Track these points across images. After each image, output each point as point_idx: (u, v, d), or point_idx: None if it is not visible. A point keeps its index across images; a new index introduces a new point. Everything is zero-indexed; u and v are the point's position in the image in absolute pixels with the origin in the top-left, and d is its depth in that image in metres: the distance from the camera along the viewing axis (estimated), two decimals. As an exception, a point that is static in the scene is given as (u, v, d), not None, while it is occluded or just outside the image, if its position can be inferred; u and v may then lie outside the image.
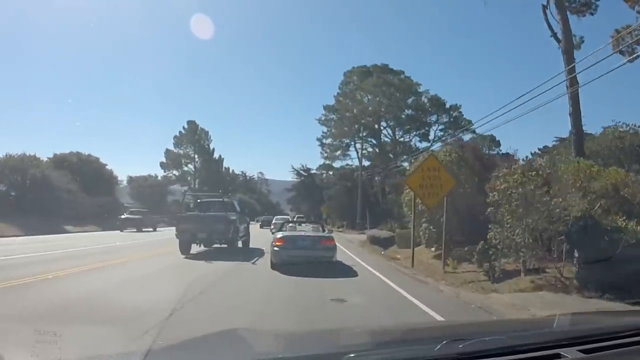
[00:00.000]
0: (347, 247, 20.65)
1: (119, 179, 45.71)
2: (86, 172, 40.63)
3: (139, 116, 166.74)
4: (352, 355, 1.77)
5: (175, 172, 78.38)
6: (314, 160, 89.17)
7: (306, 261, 11.35)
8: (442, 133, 41.37)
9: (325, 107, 46.43)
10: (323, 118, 48.54)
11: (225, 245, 16.42)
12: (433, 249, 16.11)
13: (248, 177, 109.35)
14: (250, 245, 18.51)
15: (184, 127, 78.26)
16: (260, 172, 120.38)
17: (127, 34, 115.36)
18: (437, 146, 39.58)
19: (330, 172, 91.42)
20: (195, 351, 2.04)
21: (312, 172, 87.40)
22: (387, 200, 51.76)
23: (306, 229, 14.28)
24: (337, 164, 54.49)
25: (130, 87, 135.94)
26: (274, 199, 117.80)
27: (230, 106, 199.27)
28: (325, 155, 49.89)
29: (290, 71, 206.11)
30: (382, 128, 46.26)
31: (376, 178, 49.08)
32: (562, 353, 1.86)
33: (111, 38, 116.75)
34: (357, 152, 49.97)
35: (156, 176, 59.91)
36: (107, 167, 43.71)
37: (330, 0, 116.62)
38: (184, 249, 15.69)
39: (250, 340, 2.28)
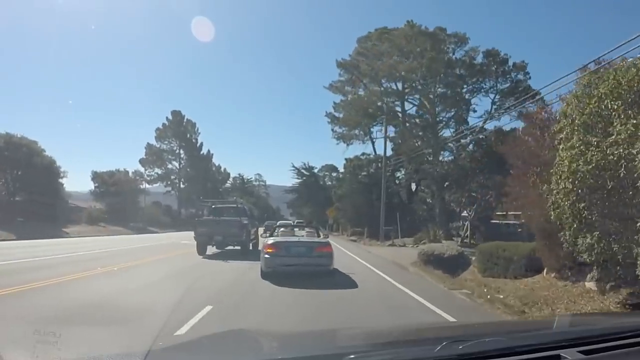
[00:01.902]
0: (405, 281, 12.23)
1: (62, 169, 35.18)
2: (18, 161, 29.58)
3: (133, 117, 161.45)
4: (352, 356, 1.76)
5: (158, 170, 67.17)
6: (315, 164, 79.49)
7: (300, 270, 10.86)
8: (496, 105, 29.89)
9: (340, 64, 34.56)
10: (336, 83, 36.55)
11: (239, 248, 18.21)
12: (608, 286, 8.53)
13: (246, 180, 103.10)
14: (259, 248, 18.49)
15: (167, 118, 67.45)
16: (258, 174, 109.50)
17: (125, 33, 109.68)
18: (491, 125, 28.34)
19: (334, 174, 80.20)
20: (196, 352, 2.08)
21: (315, 171, 75.36)
22: (418, 199, 40.39)
23: (300, 235, 13.16)
24: (351, 152, 42.38)
25: (124, 86, 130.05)
26: (273, 204, 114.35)
27: (227, 109, 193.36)
28: (338, 134, 37.94)
29: (289, 73, 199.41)
30: (409, 106, 34.36)
31: (398, 174, 37.80)
32: (562, 354, 1.88)
33: (109, 37, 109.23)
34: (371, 137, 38.08)
35: (126, 171, 49.02)
36: (45, 153, 32.91)
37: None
38: (201, 250, 17.99)
39: (250, 341, 2.31)
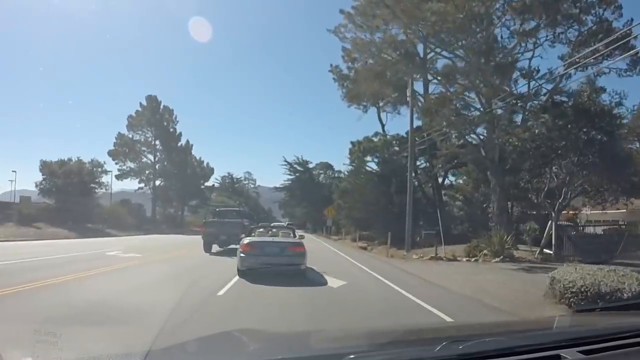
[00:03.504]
0: None
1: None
2: None
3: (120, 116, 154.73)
4: (352, 356, 1.77)
5: (131, 164, 56.32)
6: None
7: (275, 269, 11.53)
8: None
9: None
10: (349, 11, 25.06)
11: None
12: None
13: (235, 179, 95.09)
14: None
15: (141, 104, 57.17)
16: (247, 172, 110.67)
17: (110, 24, 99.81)
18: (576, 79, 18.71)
19: (330, 172, 69.55)
20: (196, 352, 2.07)
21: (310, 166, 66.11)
22: (452, 193, 30.26)
23: (275, 235, 14.16)
24: (365, 128, 33.33)
25: (117, 84, 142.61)
26: (264, 205, 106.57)
27: (218, 109, 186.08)
28: (350, 94, 26.97)
29: (280, 70, 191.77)
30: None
31: (420, 163, 27.75)
32: (562, 354, 1.91)
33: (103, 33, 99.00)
34: (380, 114, 28.14)
35: (80, 161, 38.70)
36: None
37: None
38: (207, 248, 20.45)
39: (250, 341, 2.30)
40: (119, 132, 65.47)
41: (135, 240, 33.36)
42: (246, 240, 12.59)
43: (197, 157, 73.17)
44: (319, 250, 24.76)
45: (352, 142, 36.53)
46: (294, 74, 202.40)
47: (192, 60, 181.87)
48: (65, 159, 46.77)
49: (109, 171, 58.12)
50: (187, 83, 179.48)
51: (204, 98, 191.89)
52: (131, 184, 76.55)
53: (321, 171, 72.14)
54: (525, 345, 1.95)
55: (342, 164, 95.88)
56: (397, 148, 32.51)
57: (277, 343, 2.33)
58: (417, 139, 25.79)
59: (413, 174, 32.60)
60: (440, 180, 33.02)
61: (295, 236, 14.29)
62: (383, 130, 36.03)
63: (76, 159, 46.89)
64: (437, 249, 19.38)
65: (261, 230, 14.88)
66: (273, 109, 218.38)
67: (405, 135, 30.72)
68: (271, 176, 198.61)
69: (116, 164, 64.58)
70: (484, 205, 28.43)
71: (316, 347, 2.23)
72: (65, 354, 1.98)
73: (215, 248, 21.28)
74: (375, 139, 35.01)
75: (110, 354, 1.83)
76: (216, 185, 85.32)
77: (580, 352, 1.88)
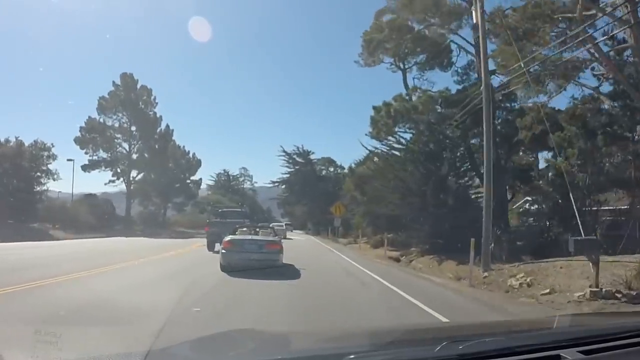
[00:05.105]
0: None
1: None
2: None
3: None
4: (352, 356, 1.78)
5: (104, 155, 55.01)
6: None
7: (253, 264, 12.35)
8: None
9: None
10: None
11: None
12: None
13: (232, 177, 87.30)
14: None
15: (114, 83, 47.60)
16: (243, 168, 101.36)
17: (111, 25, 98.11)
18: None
19: (332, 169, 61.87)
20: (195, 352, 2.10)
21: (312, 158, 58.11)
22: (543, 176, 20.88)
23: (256, 234, 15.77)
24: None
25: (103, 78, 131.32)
26: (262, 205, 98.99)
27: (208, 107, 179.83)
28: None
29: (277, 69, 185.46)
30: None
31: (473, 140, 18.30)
32: (562, 354, 1.90)
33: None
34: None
35: (20, 142, 28.18)
36: None
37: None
38: (210, 247, 21.35)
39: (250, 341, 2.33)
40: (89, 117, 56.47)
41: (55, 247, 23.10)
42: (227, 237, 13.64)
43: (182, 147, 64.10)
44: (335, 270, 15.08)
45: (374, 107, 23.94)
46: (291, 71, 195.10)
47: (186, 56, 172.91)
48: (2, 140, 37.22)
49: (71, 159, 48.63)
50: (180, 80, 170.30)
51: (199, 96, 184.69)
52: (103, 177, 66.83)
53: (323, 167, 63.38)
54: (525, 345, 1.93)
55: (354, 151, 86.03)
56: (444, 108, 21.22)
57: (276, 343, 2.33)
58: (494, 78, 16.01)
59: (459, 154, 22.68)
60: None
61: (275, 235, 15.94)
62: (405, 80, 26.08)
63: (14, 139, 37.25)
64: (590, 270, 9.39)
65: (244, 229, 15.90)
66: (271, 109, 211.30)
67: (457, 92, 20.55)
68: (269, 176, 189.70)
69: (85, 153, 55.53)
70: (585, 193, 18.79)
71: (316, 347, 2.21)
72: (65, 354, 1.96)
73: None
74: (408, 99, 22.64)
75: (111, 354, 1.83)
76: (210, 183, 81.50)
77: (580, 352, 1.85)
